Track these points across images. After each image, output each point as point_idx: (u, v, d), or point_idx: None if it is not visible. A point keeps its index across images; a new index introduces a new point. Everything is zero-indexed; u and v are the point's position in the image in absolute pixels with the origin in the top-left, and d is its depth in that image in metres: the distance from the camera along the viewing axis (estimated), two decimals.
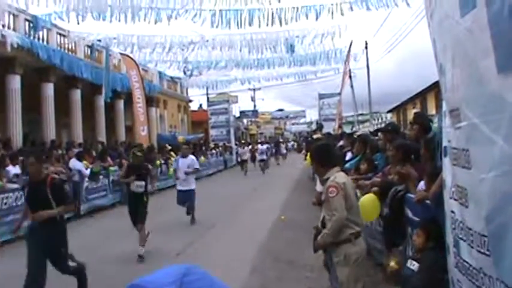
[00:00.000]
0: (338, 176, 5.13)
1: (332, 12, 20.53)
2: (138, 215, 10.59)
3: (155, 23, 20.26)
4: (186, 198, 14.15)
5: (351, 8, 20.10)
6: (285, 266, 9.00)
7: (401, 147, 6.91)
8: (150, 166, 13.37)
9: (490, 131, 2.49)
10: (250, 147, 39.35)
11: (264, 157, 35.77)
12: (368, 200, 6.99)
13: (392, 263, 5.73)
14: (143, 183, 10.91)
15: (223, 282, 1.17)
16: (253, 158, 37.07)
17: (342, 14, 20.59)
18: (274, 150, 47.90)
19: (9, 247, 11.72)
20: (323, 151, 5.57)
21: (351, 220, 4.97)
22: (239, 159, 38.49)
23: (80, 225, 14.78)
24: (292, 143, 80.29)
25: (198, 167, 14.99)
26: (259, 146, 39.24)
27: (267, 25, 20.80)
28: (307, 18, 20.80)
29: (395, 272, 5.48)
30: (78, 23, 20.12)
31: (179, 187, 14.37)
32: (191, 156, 14.79)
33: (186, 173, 13.99)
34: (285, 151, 53.28)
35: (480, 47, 2.51)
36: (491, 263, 2.60)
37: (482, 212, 2.67)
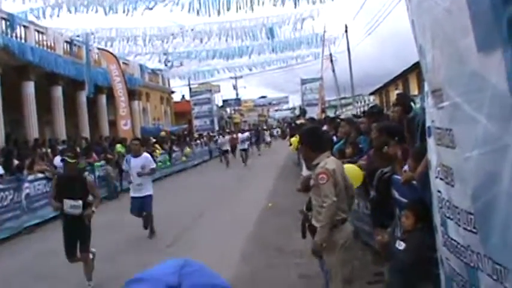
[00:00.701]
0: (328, 162, 5.07)
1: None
2: (79, 243, 8.01)
3: (132, 13, 20.15)
4: (142, 207, 11.41)
5: None
6: (274, 253, 9.04)
7: (384, 129, 6.92)
8: (90, 178, 10.92)
9: (473, 110, 2.50)
10: (230, 136, 36.24)
11: (246, 146, 32.45)
12: (349, 169, 7.00)
13: (379, 237, 5.77)
14: (80, 202, 7.89)
15: (219, 274, 1.20)
16: (233, 148, 34.48)
17: (322, 1, 20.58)
18: (255, 139, 43.19)
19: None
20: (313, 135, 5.49)
21: (338, 207, 4.93)
22: (219, 150, 35.41)
23: None
24: (277, 129, 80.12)
25: (154, 166, 12.23)
26: (240, 134, 36.45)
27: (246, 11, 20.63)
28: (283, 5, 20.68)
29: (385, 244, 5.52)
30: (52, 17, 20.01)
31: (133, 193, 11.60)
32: (145, 154, 11.95)
33: (139, 174, 11.26)
34: (269, 139, 51.24)
35: (459, 26, 2.52)
36: (478, 240, 2.63)
37: (468, 190, 2.69)
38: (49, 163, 17.06)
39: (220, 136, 37.32)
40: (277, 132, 73.77)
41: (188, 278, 1.09)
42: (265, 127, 71.89)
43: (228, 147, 33.10)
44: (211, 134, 46.81)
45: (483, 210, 2.55)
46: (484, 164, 2.49)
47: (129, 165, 11.59)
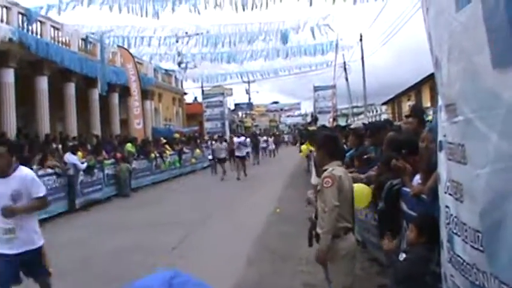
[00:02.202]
0: (336, 169, 5.08)
1: None
2: None
3: (146, 14, 20.32)
4: (30, 270, 5.91)
5: None
6: (280, 260, 9.00)
7: (392, 143, 6.88)
8: None
9: (485, 126, 2.48)
10: (227, 142, 29.13)
11: (243, 153, 26.21)
12: (359, 187, 6.97)
13: (385, 241, 5.70)
14: None
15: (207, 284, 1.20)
16: (231, 155, 27.17)
17: (334, 3, 20.68)
18: (251, 147, 34.68)
19: None
20: (332, 141, 5.51)
21: (341, 215, 4.93)
22: (212, 158, 28.37)
23: (75, 219, 14.76)
24: (288, 135, 79.76)
25: (43, 194, 5.88)
26: (236, 138, 28.44)
27: (260, 8, 20.57)
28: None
29: (389, 251, 5.50)
30: (65, 11, 20.16)
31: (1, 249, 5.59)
32: (20, 173, 5.75)
33: (4, 213, 5.49)
34: (273, 146, 45.72)
35: (475, 42, 2.50)
36: (484, 259, 2.60)
37: (477, 207, 2.66)
38: (59, 159, 17.11)
39: (216, 142, 28.67)
40: (288, 138, 73.54)
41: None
42: (276, 132, 71.37)
43: (224, 154, 26.98)
44: (220, 136, 43.98)
45: (491, 228, 2.52)
46: (494, 182, 2.47)
47: None
